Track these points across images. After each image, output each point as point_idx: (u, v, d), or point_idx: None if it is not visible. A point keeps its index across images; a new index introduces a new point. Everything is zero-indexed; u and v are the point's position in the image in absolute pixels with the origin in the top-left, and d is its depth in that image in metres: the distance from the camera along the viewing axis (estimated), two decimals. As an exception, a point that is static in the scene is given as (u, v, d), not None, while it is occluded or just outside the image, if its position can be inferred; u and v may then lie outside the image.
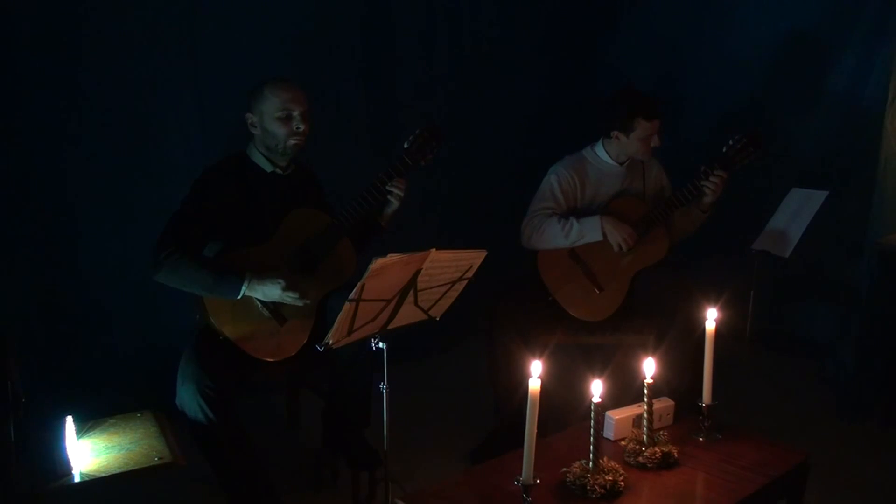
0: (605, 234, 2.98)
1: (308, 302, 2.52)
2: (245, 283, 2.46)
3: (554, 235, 3.01)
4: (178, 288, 2.49)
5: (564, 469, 2.05)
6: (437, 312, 2.42)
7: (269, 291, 2.47)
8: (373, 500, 2.74)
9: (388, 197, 2.70)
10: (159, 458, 2.13)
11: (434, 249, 2.14)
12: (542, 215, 3.04)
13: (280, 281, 2.46)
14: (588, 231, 2.99)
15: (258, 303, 2.54)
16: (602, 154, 3.12)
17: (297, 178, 2.70)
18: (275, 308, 2.56)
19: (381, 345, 2.33)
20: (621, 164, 3.11)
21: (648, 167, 3.17)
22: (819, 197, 3.28)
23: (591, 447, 2.02)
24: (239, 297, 2.47)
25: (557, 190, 3.07)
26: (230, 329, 2.51)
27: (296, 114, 2.57)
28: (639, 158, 3.10)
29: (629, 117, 2.97)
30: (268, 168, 2.64)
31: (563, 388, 3.02)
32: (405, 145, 2.69)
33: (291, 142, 2.59)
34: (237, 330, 2.52)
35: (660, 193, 3.18)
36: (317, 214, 2.66)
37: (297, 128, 2.58)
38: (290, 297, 2.48)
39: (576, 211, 3.10)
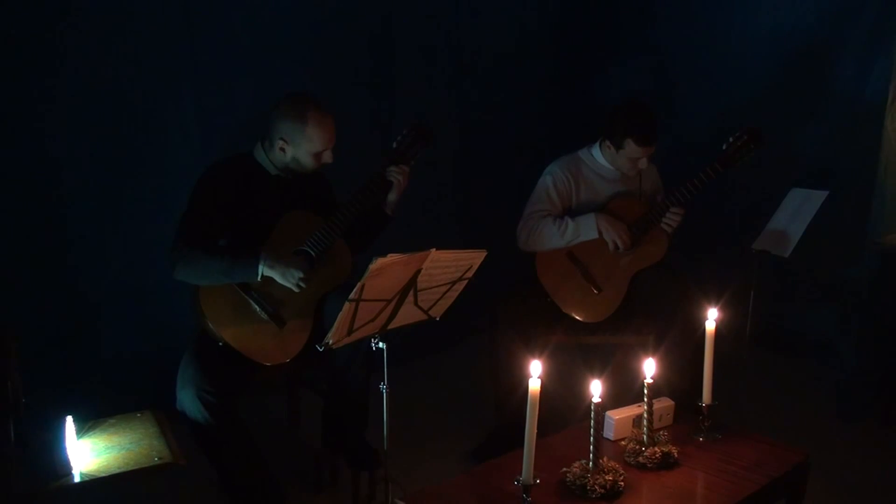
0: (600, 232, 2.98)
1: (302, 283, 2.52)
2: (261, 263, 2.47)
3: (550, 236, 3.00)
4: (199, 281, 2.50)
5: (564, 469, 2.05)
6: (437, 312, 2.42)
7: (287, 273, 2.49)
8: (373, 500, 2.74)
9: (391, 181, 2.72)
10: (159, 458, 2.13)
11: (434, 249, 2.14)
12: (537, 217, 3.04)
13: (300, 273, 2.49)
14: (584, 229, 2.99)
15: (256, 307, 2.54)
16: (598, 156, 3.12)
17: (300, 180, 2.70)
18: (273, 311, 2.56)
19: (381, 345, 2.33)
20: (615, 166, 3.10)
21: (646, 171, 3.16)
22: (819, 197, 3.28)
23: (591, 447, 2.02)
24: (259, 279, 2.48)
25: (553, 190, 3.07)
26: (229, 333, 2.50)
27: (329, 151, 2.60)
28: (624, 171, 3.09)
29: (622, 136, 2.96)
30: (272, 171, 2.65)
31: (563, 388, 3.02)
32: (393, 145, 2.71)
33: (314, 170, 2.65)
34: (236, 334, 2.51)
35: (654, 198, 3.18)
36: (310, 217, 2.66)
37: (325, 162, 2.62)
38: (295, 278, 2.49)
39: (571, 212, 3.10)
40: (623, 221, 3.01)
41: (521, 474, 1.89)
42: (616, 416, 2.31)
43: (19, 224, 2.92)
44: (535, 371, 1.88)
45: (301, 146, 2.56)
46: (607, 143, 3.03)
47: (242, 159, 2.65)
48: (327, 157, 2.62)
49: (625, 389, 2.78)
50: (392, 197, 2.76)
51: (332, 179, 2.87)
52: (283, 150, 2.59)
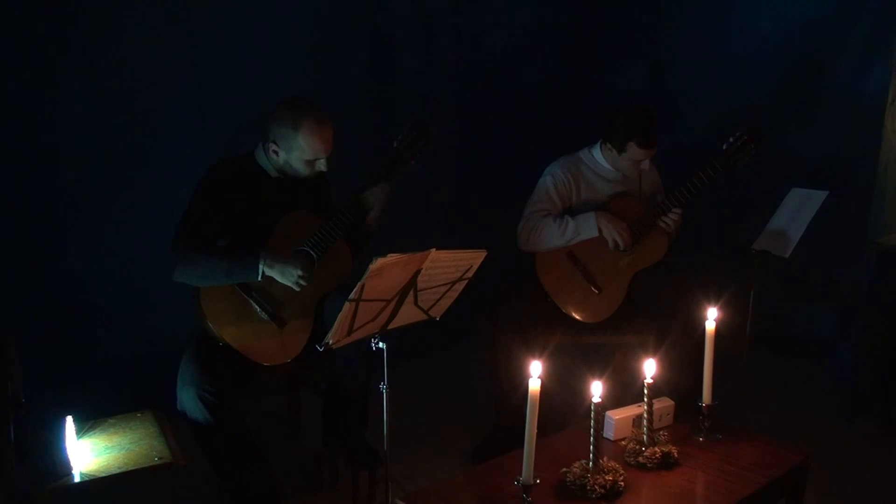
0: (600, 230, 2.98)
1: (302, 282, 2.52)
2: (261, 262, 2.47)
3: (550, 235, 3.01)
4: (198, 283, 2.50)
5: (564, 469, 2.05)
6: (437, 312, 2.42)
7: (286, 271, 2.48)
8: (373, 500, 2.74)
9: (370, 202, 2.67)
10: (159, 458, 2.13)
11: (434, 249, 2.14)
12: (537, 216, 3.04)
13: (299, 271, 2.49)
14: (584, 227, 2.99)
15: (256, 307, 2.54)
16: (598, 157, 3.12)
17: (301, 181, 2.69)
18: (274, 311, 2.56)
19: (381, 345, 2.33)
20: (617, 168, 3.10)
21: (646, 171, 3.16)
22: (819, 197, 3.28)
23: (591, 447, 2.02)
24: (259, 278, 2.48)
25: (553, 190, 3.07)
26: (229, 333, 2.50)
27: (322, 159, 2.59)
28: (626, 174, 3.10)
29: (624, 138, 2.96)
30: (272, 173, 2.64)
31: (563, 389, 3.02)
32: (394, 144, 2.70)
33: (309, 176, 2.63)
34: (236, 334, 2.51)
35: (654, 198, 3.18)
36: (310, 217, 2.66)
37: (319, 169, 2.61)
38: (294, 276, 2.48)
39: (571, 212, 3.10)
40: (623, 221, 3.01)
41: (521, 474, 1.89)
42: (616, 416, 2.31)
43: (19, 224, 2.92)
44: (535, 371, 1.88)
45: (293, 153, 2.55)
46: (608, 145, 3.03)
47: (243, 160, 2.65)
48: (321, 166, 2.60)
49: (625, 389, 2.78)
50: (371, 215, 2.69)
51: (333, 180, 2.87)
52: (275, 153, 2.58)
